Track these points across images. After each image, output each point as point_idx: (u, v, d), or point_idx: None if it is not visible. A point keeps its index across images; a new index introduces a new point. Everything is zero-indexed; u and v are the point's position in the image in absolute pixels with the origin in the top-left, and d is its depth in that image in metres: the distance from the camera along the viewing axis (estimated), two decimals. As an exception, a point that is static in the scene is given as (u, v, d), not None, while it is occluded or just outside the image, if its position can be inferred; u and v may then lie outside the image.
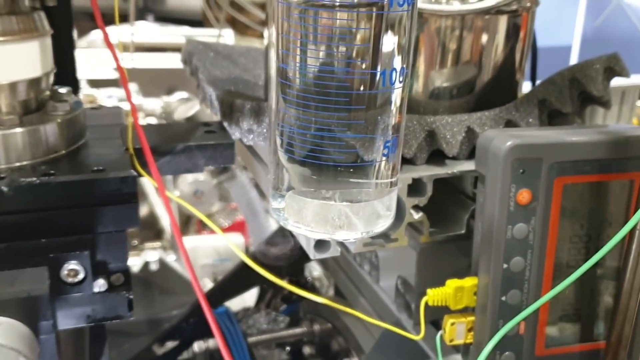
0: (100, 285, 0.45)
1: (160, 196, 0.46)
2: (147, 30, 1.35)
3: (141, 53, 1.28)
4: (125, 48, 1.27)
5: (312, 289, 0.88)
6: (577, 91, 0.51)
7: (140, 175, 0.47)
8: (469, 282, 0.46)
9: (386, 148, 0.35)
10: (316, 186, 0.34)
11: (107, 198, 0.44)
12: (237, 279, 0.83)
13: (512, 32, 0.52)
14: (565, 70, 0.51)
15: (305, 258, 0.78)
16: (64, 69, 0.59)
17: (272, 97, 0.37)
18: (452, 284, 0.46)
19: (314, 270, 0.93)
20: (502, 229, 0.43)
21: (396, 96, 0.35)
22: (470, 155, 0.48)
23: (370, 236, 0.41)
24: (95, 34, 1.52)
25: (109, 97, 1.01)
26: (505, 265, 0.44)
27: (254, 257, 0.83)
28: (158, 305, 0.99)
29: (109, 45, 0.45)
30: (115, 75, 1.14)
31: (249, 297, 0.90)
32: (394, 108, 0.35)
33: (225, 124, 0.54)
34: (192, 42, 0.69)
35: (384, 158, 0.35)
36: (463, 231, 0.49)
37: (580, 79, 0.50)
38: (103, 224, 0.44)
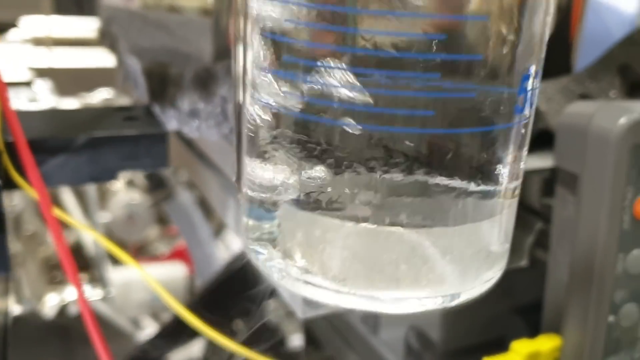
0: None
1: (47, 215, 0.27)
2: (68, 24, 1.15)
3: (62, 48, 1.08)
4: (39, 42, 1.07)
5: (273, 332, 0.70)
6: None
7: (11, 184, 0.28)
8: (548, 343, 0.29)
9: (517, 112, 0.18)
10: (347, 196, 0.17)
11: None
12: (180, 325, 0.64)
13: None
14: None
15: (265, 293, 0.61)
16: None
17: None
18: (521, 347, 0.29)
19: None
20: (608, 260, 0.27)
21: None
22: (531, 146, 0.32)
23: (466, 301, 0.19)
24: (11, 34, 1.31)
25: (17, 98, 0.82)
26: (611, 318, 0.27)
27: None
28: (78, 360, 0.80)
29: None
30: (28, 77, 0.95)
31: (197, 348, 0.71)
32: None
33: (156, 108, 0.36)
34: (111, 8, 0.50)
35: (513, 131, 0.18)
36: (523, 263, 0.32)
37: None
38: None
